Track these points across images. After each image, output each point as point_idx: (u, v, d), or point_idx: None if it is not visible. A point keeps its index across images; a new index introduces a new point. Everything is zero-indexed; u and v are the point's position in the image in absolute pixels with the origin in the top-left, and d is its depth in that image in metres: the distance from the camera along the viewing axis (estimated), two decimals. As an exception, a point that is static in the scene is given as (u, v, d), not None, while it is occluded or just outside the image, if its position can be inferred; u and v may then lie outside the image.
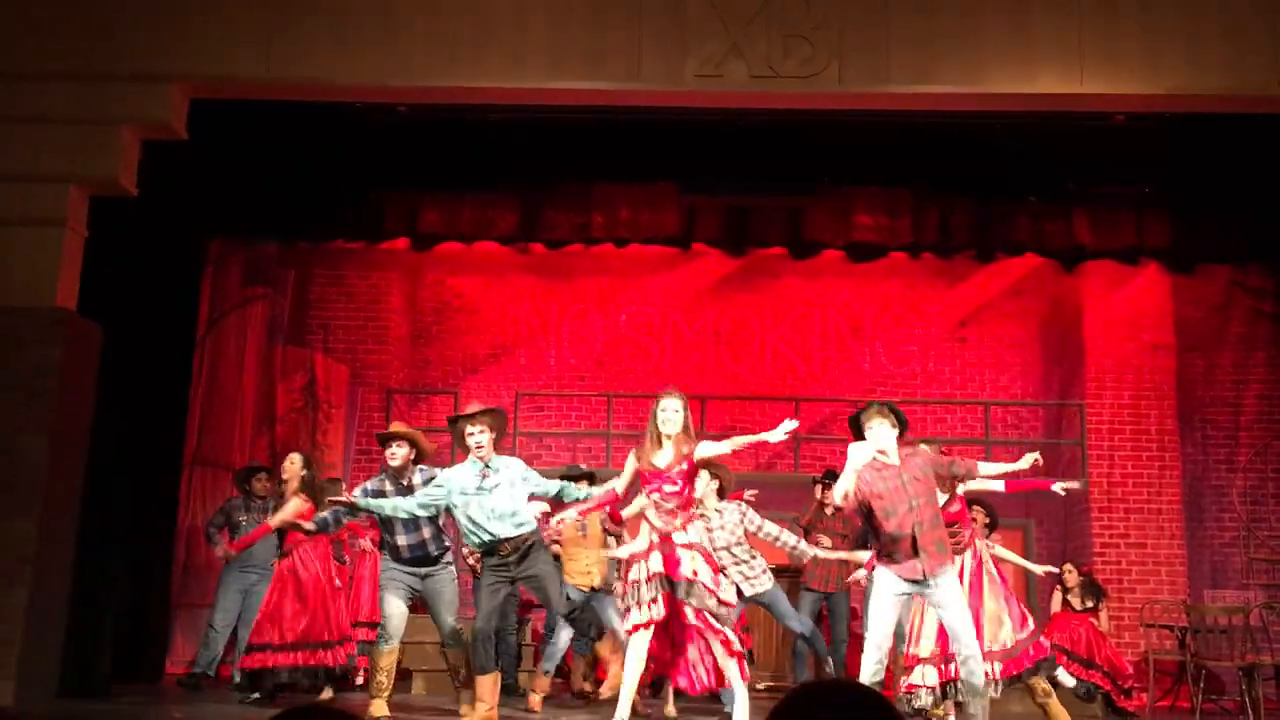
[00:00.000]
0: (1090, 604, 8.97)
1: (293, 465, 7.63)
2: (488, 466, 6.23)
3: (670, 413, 5.94)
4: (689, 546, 5.84)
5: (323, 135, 8.54)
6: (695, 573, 5.77)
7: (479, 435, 6.22)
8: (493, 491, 6.17)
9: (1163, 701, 9.10)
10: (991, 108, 7.26)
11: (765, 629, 8.99)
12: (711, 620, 5.76)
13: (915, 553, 5.63)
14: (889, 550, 5.69)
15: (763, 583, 7.25)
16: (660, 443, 5.94)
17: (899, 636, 7.43)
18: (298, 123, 8.13)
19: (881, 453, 5.74)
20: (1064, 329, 11.22)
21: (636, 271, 11.19)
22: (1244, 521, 10.66)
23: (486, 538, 6.16)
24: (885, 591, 5.72)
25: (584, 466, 8.40)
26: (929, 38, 6.85)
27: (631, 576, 5.90)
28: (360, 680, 7.99)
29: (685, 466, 5.90)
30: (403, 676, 8.01)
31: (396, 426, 6.93)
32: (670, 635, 5.89)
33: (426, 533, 6.55)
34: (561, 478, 6.82)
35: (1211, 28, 6.76)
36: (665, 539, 5.84)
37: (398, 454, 6.65)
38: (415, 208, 9.83)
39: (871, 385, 11.31)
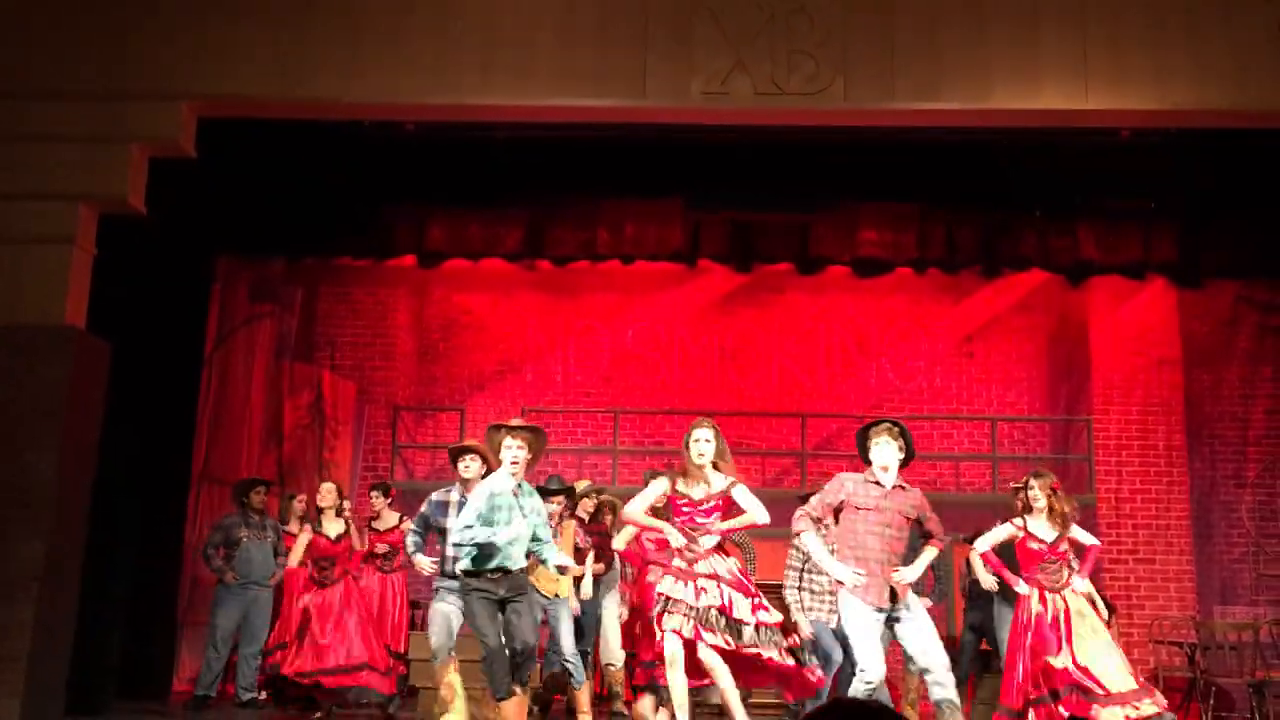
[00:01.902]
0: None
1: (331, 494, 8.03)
2: (520, 486, 6.07)
3: (703, 443, 5.89)
4: (712, 577, 5.75)
5: (330, 153, 8.57)
6: (727, 606, 5.65)
7: (517, 451, 6.02)
8: (519, 514, 5.98)
9: (1172, 718, 9.04)
10: (997, 124, 7.26)
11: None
12: (746, 645, 5.64)
13: (881, 580, 5.72)
14: (856, 569, 5.74)
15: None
16: (696, 473, 5.90)
17: (906, 659, 7.43)
18: (305, 140, 8.16)
19: (884, 469, 5.85)
20: (1070, 344, 11.20)
21: (643, 288, 11.20)
22: (1253, 537, 10.62)
23: (492, 560, 5.95)
24: (860, 620, 5.75)
25: (562, 480, 8.34)
26: (934, 54, 6.86)
27: (675, 595, 5.71)
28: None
29: (721, 500, 5.88)
30: (412, 693, 8.02)
31: (471, 441, 6.99)
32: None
33: None
34: (539, 489, 6.69)
35: (1217, 43, 6.77)
36: (690, 566, 5.78)
37: (471, 467, 6.67)
38: (422, 225, 9.86)
39: (878, 401, 11.30)
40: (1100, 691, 6.00)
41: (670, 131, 7.80)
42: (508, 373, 11.55)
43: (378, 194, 9.49)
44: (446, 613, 6.58)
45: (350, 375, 11.15)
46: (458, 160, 8.85)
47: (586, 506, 8.15)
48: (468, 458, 6.71)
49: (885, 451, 5.86)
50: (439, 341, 11.68)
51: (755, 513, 5.87)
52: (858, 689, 5.71)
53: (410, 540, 6.79)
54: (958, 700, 5.76)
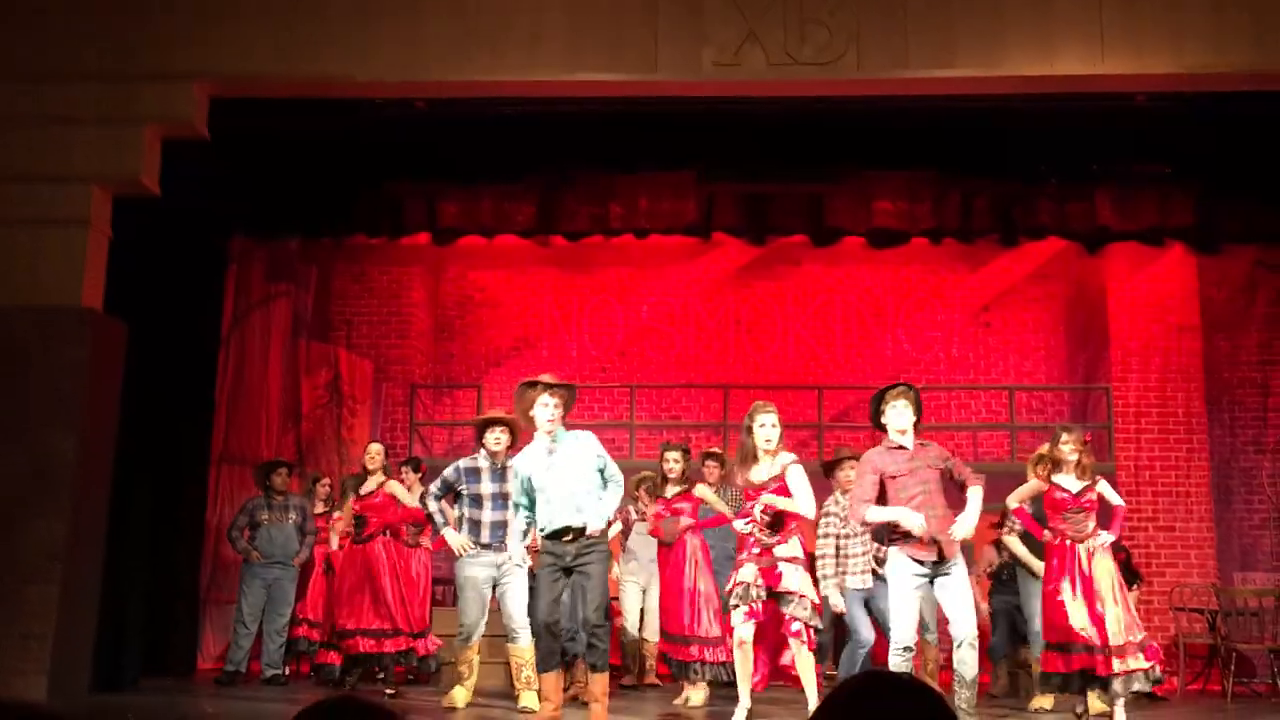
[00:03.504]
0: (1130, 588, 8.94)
1: (379, 456, 8.00)
2: (554, 442, 5.96)
3: (769, 428, 5.99)
4: (791, 560, 5.94)
5: (342, 131, 8.56)
6: (800, 590, 5.88)
7: (553, 409, 5.94)
8: (556, 471, 5.89)
9: (1193, 685, 9.04)
10: (1012, 90, 7.20)
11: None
12: (803, 630, 5.87)
13: (932, 538, 5.79)
14: (903, 532, 5.77)
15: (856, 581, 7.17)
16: (758, 457, 6.00)
17: (924, 628, 7.43)
18: (317, 119, 8.15)
19: (901, 432, 5.95)
20: (1088, 312, 11.15)
21: (657, 261, 11.18)
22: (1273, 504, 10.58)
23: (549, 523, 5.87)
24: (904, 583, 5.82)
25: None
26: (947, 21, 6.80)
27: (740, 579, 5.96)
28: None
29: (779, 482, 5.98)
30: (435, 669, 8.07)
31: (497, 411, 7.07)
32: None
33: (506, 515, 6.71)
34: None
35: (1234, 4, 6.68)
36: (766, 553, 5.93)
37: (502, 440, 6.82)
38: (435, 202, 9.84)
39: (895, 372, 11.26)
40: (1103, 643, 6.13)
41: (682, 104, 7.75)
42: (524, 349, 11.58)
43: (390, 172, 9.48)
44: (478, 585, 6.70)
45: (367, 354, 11.18)
46: (469, 137, 8.83)
47: None
48: (498, 430, 6.81)
49: (903, 415, 5.96)
50: (455, 319, 11.71)
51: (801, 502, 5.96)
52: (894, 660, 5.80)
53: (431, 503, 6.91)
54: (970, 678, 5.79)
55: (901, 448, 5.95)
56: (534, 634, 6.07)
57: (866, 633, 6.83)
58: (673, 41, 6.84)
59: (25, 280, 6.66)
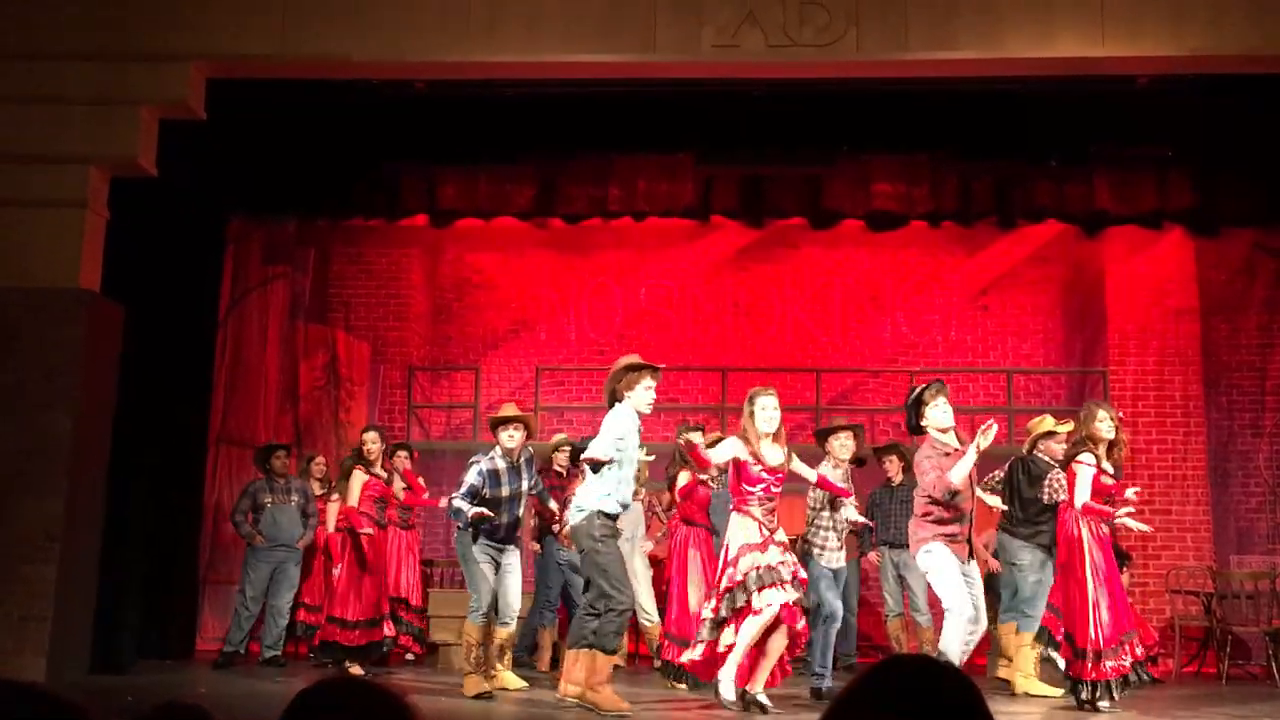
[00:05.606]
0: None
1: (376, 444, 7.87)
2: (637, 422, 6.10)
3: (772, 410, 5.99)
4: (784, 546, 5.97)
5: (340, 112, 8.54)
6: (795, 571, 5.91)
7: (653, 393, 6.09)
8: (634, 451, 6.06)
9: (1189, 667, 9.08)
10: (1011, 72, 7.18)
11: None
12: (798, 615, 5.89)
13: (968, 538, 5.94)
14: (950, 531, 5.87)
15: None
16: (766, 440, 6.01)
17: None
18: (315, 100, 8.13)
19: (946, 431, 6.03)
20: (1086, 295, 11.13)
21: (655, 244, 11.15)
22: (1269, 487, 10.59)
23: (623, 496, 5.96)
24: (952, 567, 5.86)
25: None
26: (947, 2, 6.78)
27: (746, 566, 5.82)
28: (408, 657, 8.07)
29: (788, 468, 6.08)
30: (432, 649, 8.09)
31: (510, 409, 6.97)
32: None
33: (519, 513, 6.81)
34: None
35: (1234, -13, 6.67)
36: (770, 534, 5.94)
37: (515, 437, 6.74)
38: (433, 184, 9.83)
39: (893, 355, 11.27)
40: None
41: (681, 85, 7.73)
42: (522, 331, 11.55)
43: (389, 153, 9.47)
44: (484, 561, 6.69)
45: (364, 336, 11.16)
46: (468, 118, 8.81)
47: (560, 460, 8.13)
48: (512, 427, 6.76)
49: (948, 412, 6.04)
50: (452, 301, 11.67)
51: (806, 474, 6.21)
52: (964, 630, 5.78)
53: (460, 504, 6.64)
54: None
55: (953, 450, 5.94)
56: (610, 610, 5.77)
57: (835, 604, 6.84)
58: (671, 22, 6.82)
59: (23, 261, 6.65)
